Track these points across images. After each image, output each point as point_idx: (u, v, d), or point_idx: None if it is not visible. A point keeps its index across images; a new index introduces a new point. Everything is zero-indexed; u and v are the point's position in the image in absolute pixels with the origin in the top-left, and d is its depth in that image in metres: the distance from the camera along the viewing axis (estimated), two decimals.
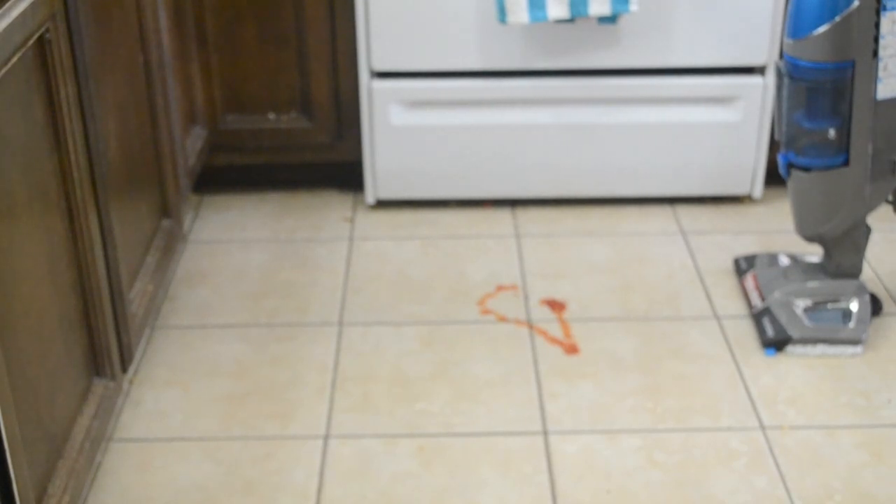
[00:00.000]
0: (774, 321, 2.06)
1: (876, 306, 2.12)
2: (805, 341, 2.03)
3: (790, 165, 2.02)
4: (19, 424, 1.33)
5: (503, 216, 2.53)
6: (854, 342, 2.03)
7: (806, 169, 2.00)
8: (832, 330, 2.04)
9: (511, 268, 2.32)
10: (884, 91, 1.93)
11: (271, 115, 2.50)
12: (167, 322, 2.15)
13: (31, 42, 1.41)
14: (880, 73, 1.91)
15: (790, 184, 2.05)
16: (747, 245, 2.39)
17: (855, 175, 1.98)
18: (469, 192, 2.53)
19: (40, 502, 1.42)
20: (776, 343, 2.04)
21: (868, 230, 2.08)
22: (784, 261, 2.21)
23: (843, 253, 2.08)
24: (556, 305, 2.19)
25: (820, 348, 2.03)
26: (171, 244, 2.11)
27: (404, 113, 2.44)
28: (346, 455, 1.81)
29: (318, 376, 2.00)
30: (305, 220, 2.51)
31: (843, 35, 1.88)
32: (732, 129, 2.46)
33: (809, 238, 2.09)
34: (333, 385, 1.97)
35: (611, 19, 2.32)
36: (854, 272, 2.10)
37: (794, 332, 2.03)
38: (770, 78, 2.41)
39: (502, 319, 2.16)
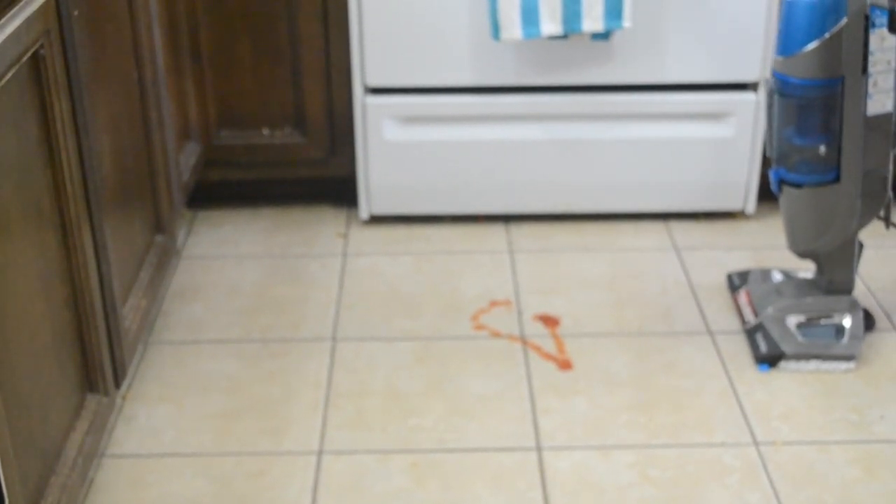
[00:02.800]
0: (767, 337, 2.06)
1: (869, 322, 2.13)
2: (798, 357, 2.03)
3: (782, 181, 2.03)
4: (12, 440, 1.33)
5: (497, 231, 2.53)
6: (847, 358, 2.03)
7: (797, 185, 2.01)
8: (825, 346, 2.04)
9: (505, 283, 2.32)
10: (873, 107, 1.94)
11: (265, 131, 2.50)
12: (160, 337, 2.15)
13: (25, 58, 1.42)
14: (870, 90, 1.92)
15: (782, 200, 2.05)
16: (740, 261, 2.39)
17: (846, 191, 1.99)
18: (463, 208, 2.54)
19: None
20: (769, 359, 2.04)
21: (861, 246, 2.09)
22: (777, 277, 2.21)
23: (835, 269, 2.09)
24: (549, 321, 2.20)
25: (813, 364, 2.04)
26: (165, 259, 2.11)
27: (398, 128, 2.45)
28: (339, 471, 1.81)
29: (311, 392, 1.99)
30: (299, 236, 2.52)
31: (832, 52, 1.89)
32: (725, 144, 2.47)
33: (802, 254, 2.09)
34: (327, 401, 1.97)
35: (604, 36, 2.33)
36: (847, 288, 2.10)
37: (787, 348, 2.03)
38: (762, 94, 2.42)
39: (496, 335, 2.16)
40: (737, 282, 2.25)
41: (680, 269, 2.38)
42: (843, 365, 2.04)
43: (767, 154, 2.06)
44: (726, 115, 2.44)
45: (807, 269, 2.24)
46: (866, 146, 1.96)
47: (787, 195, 2.03)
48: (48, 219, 1.52)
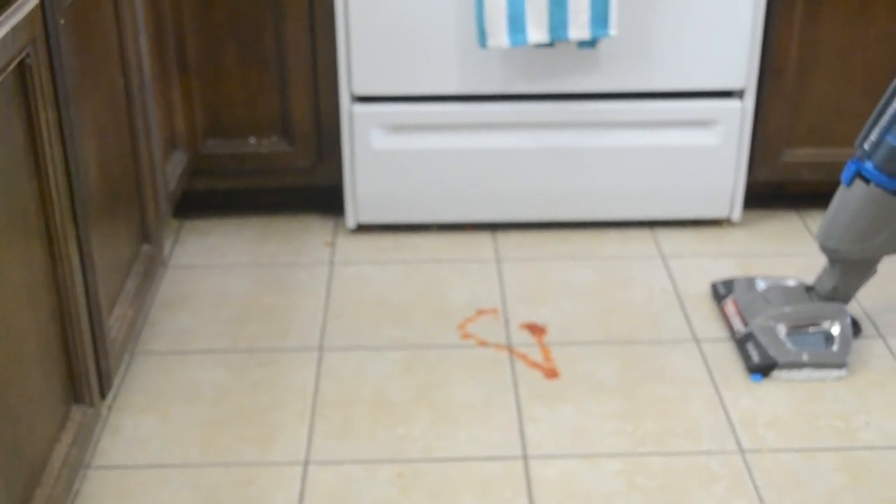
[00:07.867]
0: (759, 346, 2.05)
1: (855, 329, 2.13)
2: (791, 366, 2.03)
3: (858, 174, 1.98)
4: None
5: (484, 240, 2.53)
6: (839, 365, 2.03)
7: (876, 183, 1.96)
8: (817, 354, 2.03)
9: (492, 292, 2.32)
10: None
11: (252, 140, 2.50)
12: (147, 347, 2.15)
13: (11, 67, 1.41)
14: None
15: (844, 192, 2.00)
16: (727, 268, 2.40)
17: None
18: (450, 216, 2.54)
19: None
20: (762, 369, 2.03)
21: (875, 271, 2.08)
22: (762, 284, 2.22)
23: (848, 278, 2.07)
24: (536, 329, 2.20)
25: (805, 373, 2.03)
26: (152, 269, 2.10)
27: (385, 137, 2.45)
28: (326, 481, 1.80)
29: (298, 401, 1.99)
30: (286, 245, 2.51)
31: None
32: (711, 152, 2.47)
33: (827, 249, 2.06)
34: (313, 410, 1.97)
35: (590, 44, 2.34)
36: (846, 299, 2.10)
37: (779, 357, 2.03)
38: (748, 101, 2.43)
39: (483, 344, 2.16)
40: (722, 291, 2.26)
41: (666, 276, 2.38)
42: (835, 373, 2.04)
43: (856, 143, 1.99)
44: (712, 122, 2.45)
45: (791, 277, 2.25)
46: None
47: (853, 190, 1.98)
48: (34, 228, 1.51)
